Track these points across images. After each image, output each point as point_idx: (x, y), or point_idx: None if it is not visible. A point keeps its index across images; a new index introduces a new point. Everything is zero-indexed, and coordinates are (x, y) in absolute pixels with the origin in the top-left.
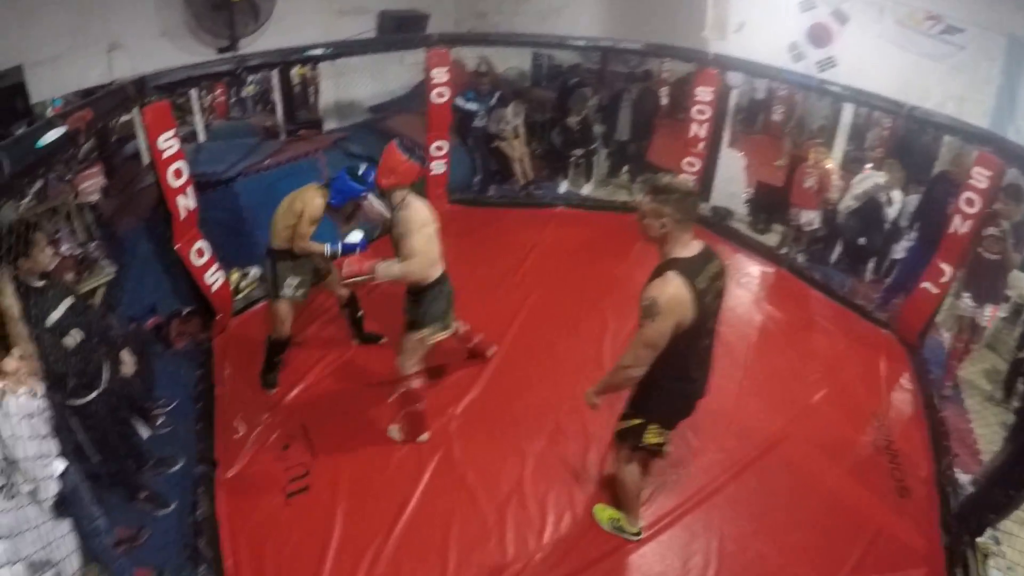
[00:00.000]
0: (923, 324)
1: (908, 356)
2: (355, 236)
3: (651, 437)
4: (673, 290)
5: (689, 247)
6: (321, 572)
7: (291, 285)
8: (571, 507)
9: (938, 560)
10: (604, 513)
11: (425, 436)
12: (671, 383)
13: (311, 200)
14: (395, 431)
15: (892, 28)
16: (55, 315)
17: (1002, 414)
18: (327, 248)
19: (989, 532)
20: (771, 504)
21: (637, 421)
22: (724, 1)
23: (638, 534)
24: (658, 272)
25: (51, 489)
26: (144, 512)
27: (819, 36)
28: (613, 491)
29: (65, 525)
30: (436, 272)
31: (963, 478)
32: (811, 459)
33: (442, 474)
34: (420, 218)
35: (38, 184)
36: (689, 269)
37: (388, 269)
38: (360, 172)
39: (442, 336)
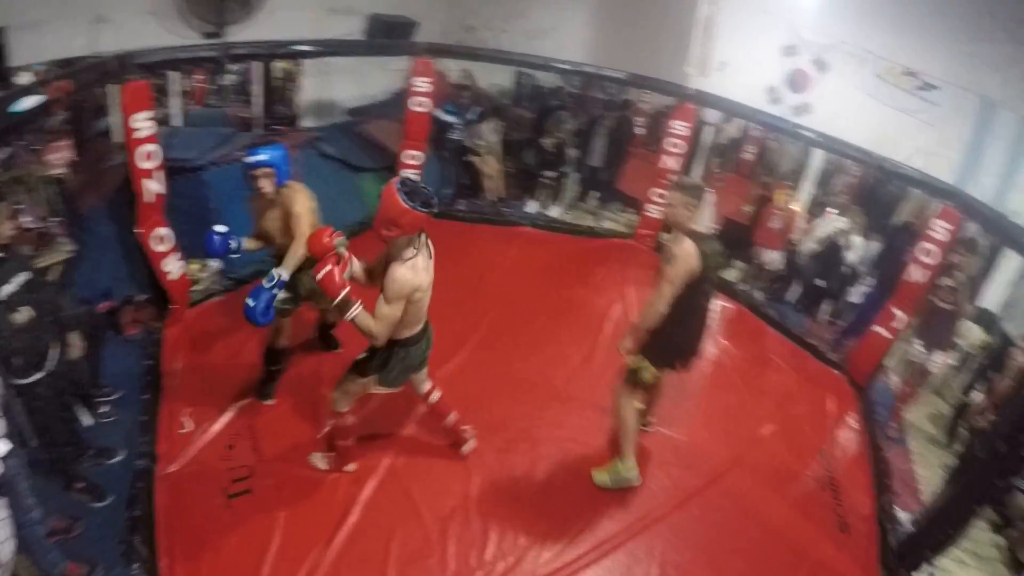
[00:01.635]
0: (873, 367)
1: (856, 397)
2: (219, 228)
3: (646, 373)
4: (687, 246)
5: (698, 226)
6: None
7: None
8: (515, 526)
9: None
10: (602, 475)
11: (351, 467)
12: (671, 329)
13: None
14: (318, 459)
15: (870, 80)
16: (7, 289)
17: (944, 456)
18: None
19: (927, 569)
20: (713, 533)
21: (639, 362)
22: (710, 40)
23: (638, 477)
24: (674, 239)
25: None
26: (80, 503)
27: (798, 81)
28: (602, 461)
29: (3, 509)
30: (407, 332)
31: (903, 516)
32: (755, 491)
33: (386, 486)
34: (416, 283)
35: (5, 151)
36: (697, 238)
37: (360, 320)
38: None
39: (387, 392)
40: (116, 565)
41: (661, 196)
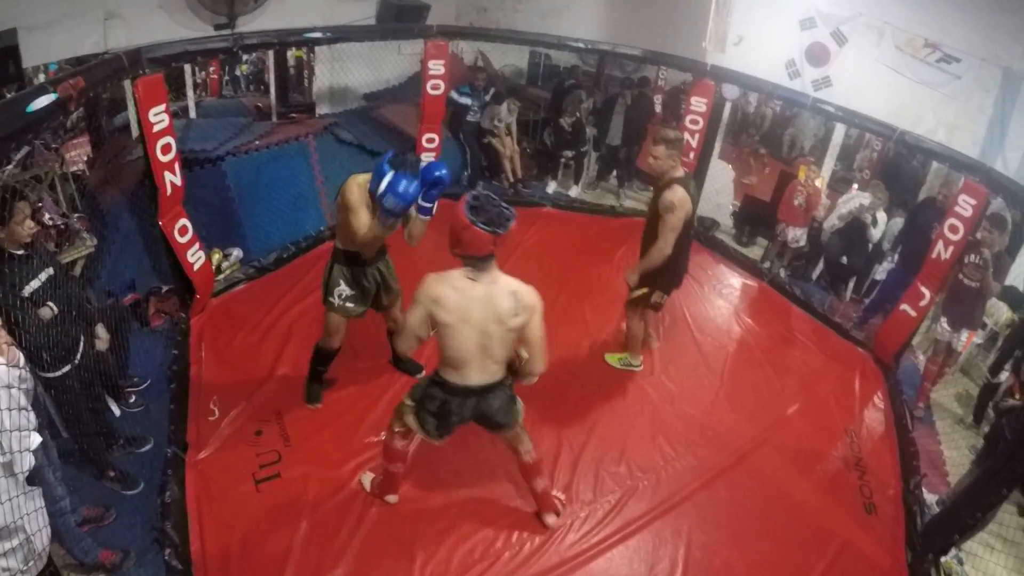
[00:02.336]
0: (899, 345)
1: (883, 376)
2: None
3: (656, 298)
4: (681, 193)
5: (679, 171)
6: (287, 561)
7: (339, 295)
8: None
9: None
10: (613, 357)
11: (393, 498)
12: (671, 262)
13: (346, 188)
14: (366, 479)
15: (890, 53)
16: (33, 284)
17: (971, 438)
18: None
19: (953, 552)
20: (740, 513)
21: (645, 290)
22: (725, 14)
23: (640, 365)
24: (666, 186)
25: (27, 462)
26: (112, 492)
27: (817, 55)
28: (620, 342)
29: (38, 499)
30: (445, 372)
31: (930, 498)
32: (781, 471)
33: (415, 468)
34: (435, 294)
35: (24, 150)
36: (683, 182)
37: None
38: (401, 157)
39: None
40: (148, 551)
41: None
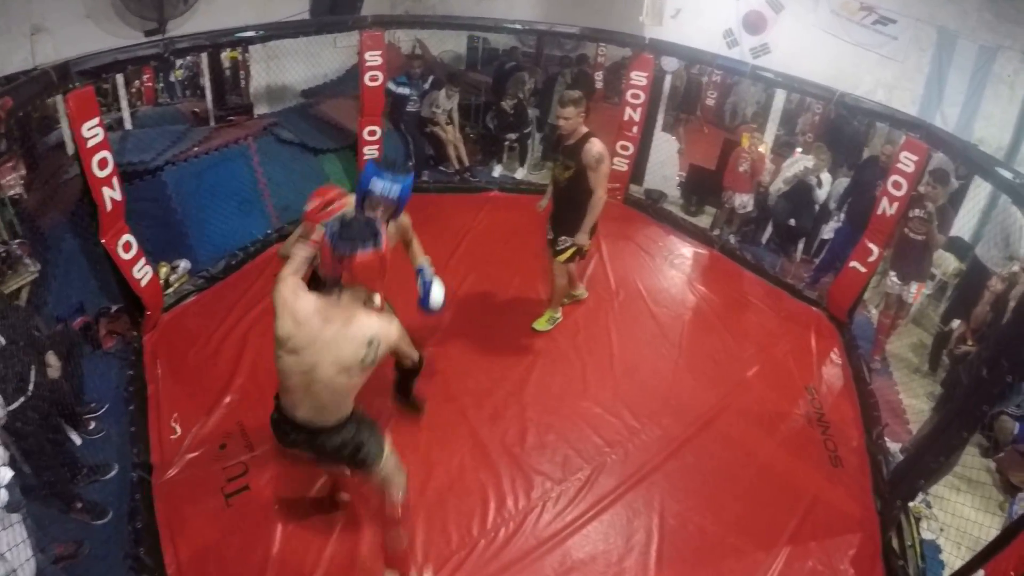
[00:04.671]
0: (852, 301)
1: (838, 332)
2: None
3: (583, 251)
4: (601, 146)
5: (584, 127)
6: (265, 572)
7: None
8: (512, 492)
9: (873, 525)
10: (541, 322)
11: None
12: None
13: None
14: None
15: (826, 17)
16: None
17: (929, 385)
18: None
19: (921, 497)
20: (709, 478)
21: (576, 248)
22: None
23: (561, 315)
24: (584, 140)
25: (1, 498)
26: (81, 524)
27: (754, 23)
28: (541, 309)
29: (21, 531)
30: (281, 397)
31: (893, 446)
32: (746, 433)
33: None
34: (280, 298)
35: None
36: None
37: None
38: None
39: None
40: None
41: (625, 148)
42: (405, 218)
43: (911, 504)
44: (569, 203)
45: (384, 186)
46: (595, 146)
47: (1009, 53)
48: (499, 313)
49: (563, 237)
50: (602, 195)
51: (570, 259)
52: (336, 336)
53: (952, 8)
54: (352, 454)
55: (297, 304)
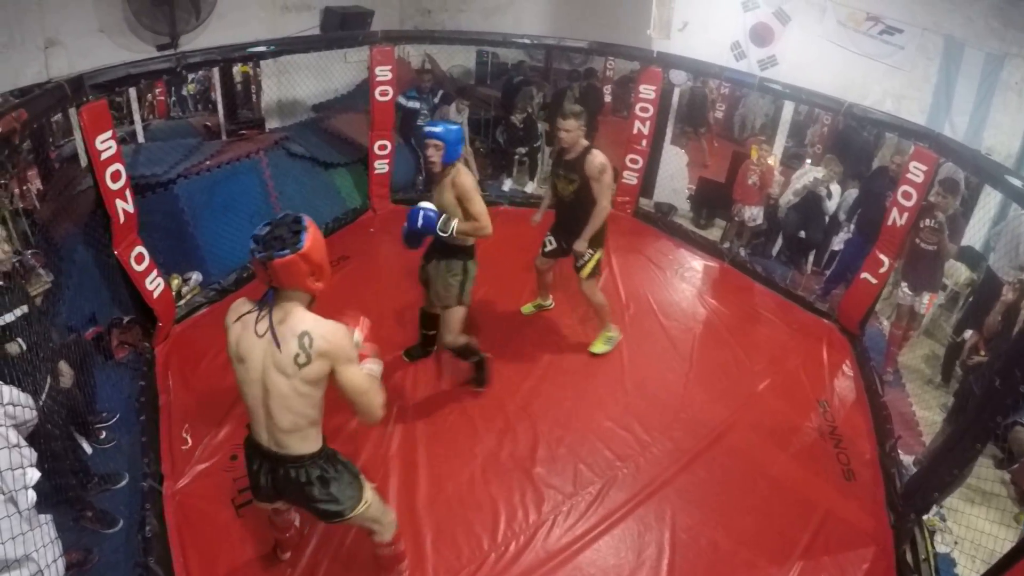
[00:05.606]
0: (863, 313)
1: (849, 344)
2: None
3: (601, 256)
4: (602, 156)
5: (584, 140)
6: None
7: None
8: (523, 505)
9: (886, 539)
10: (597, 344)
11: None
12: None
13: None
14: None
15: (833, 28)
16: (6, 318)
17: (941, 397)
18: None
19: (935, 509)
20: (721, 492)
21: (597, 254)
22: (668, 1)
23: (616, 335)
24: (586, 152)
25: (29, 499)
26: (91, 532)
27: (761, 35)
28: (594, 333)
29: (50, 530)
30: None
31: (907, 459)
32: (758, 447)
33: (394, 475)
34: (227, 321)
35: None
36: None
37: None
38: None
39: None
40: None
41: (634, 161)
42: (464, 177)
43: (925, 517)
44: (575, 216)
45: (429, 128)
46: (597, 157)
47: (1016, 60)
48: (509, 327)
49: (575, 247)
50: (606, 205)
51: (592, 273)
52: (273, 335)
53: (958, 16)
54: (319, 496)
55: (241, 308)
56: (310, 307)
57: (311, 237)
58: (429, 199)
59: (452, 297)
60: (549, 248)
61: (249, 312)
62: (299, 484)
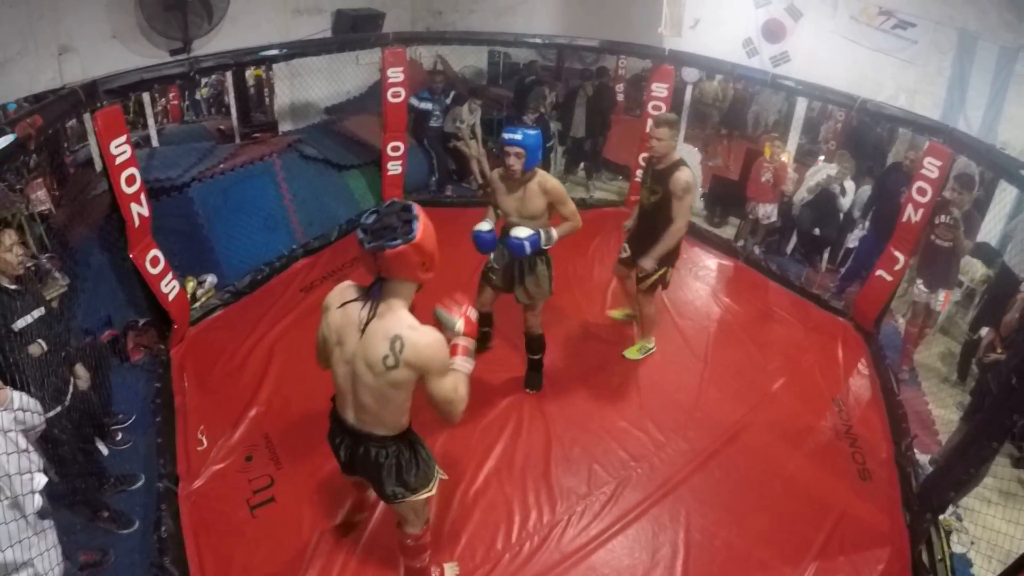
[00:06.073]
0: (878, 311)
1: (865, 342)
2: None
3: (669, 275)
4: (689, 175)
5: (676, 153)
6: None
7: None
8: (537, 506)
9: (902, 539)
10: (633, 351)
11: None
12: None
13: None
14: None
15: (845, 23)
16: (23, 321)
17: (958, 395)
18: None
19: (951, 509)
20: (736, 492)
21: (662, 271)
22: None
23: (653, 348)
24: (674, 167)
25: (35, 503)
26: (107, 533)
27: (774, 31)
28: (634, 337)
29: (51, 537)
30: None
31: (923, 458)
32: (773, 446)
33: None
34: (337, 326)
35: None
36: (684, 163)
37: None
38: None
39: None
40: None
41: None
42: (551, 181)
43: (941, 517)
44: (651, 228)
45: (509, 136)
46: (684, 175)
47: None
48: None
49: (642, 264)
50: (682, 227)
51: (652, 287)
52: (370, 330)
53: (971, 9)
54: (391, 474)
55: (348, 294)
56: (416, 294)
57: (422, 226)
58: (491, 214)
59: (546, 290)
60: (624, 255)
61: (355, 300)
62: (377, 464)
